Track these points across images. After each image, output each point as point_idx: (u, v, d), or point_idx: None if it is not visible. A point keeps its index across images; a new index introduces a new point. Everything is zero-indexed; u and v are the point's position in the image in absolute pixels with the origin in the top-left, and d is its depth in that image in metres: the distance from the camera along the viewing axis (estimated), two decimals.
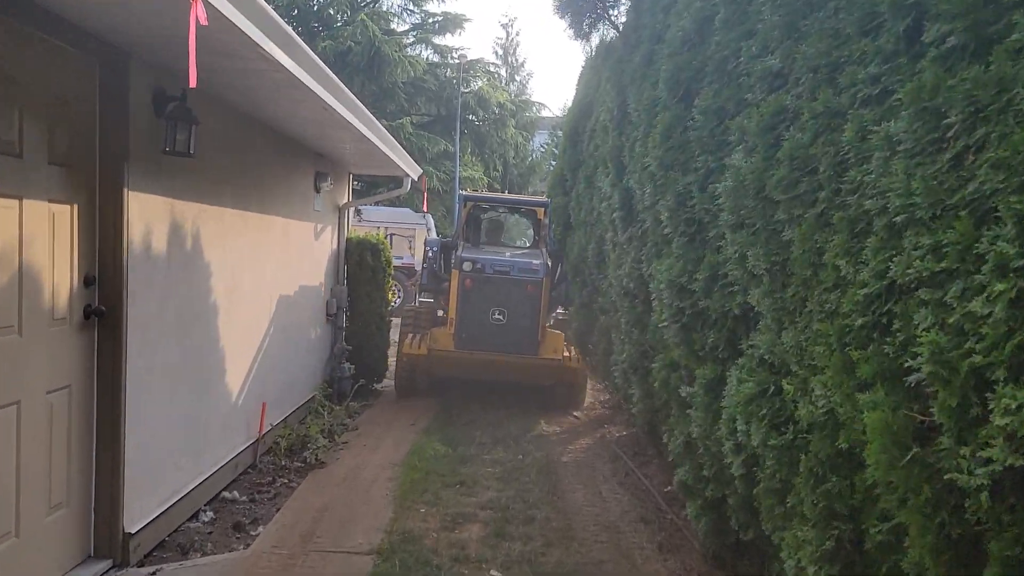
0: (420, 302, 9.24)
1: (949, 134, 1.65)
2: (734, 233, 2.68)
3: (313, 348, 6.86)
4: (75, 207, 3.14)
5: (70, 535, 3.20)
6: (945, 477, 1.58)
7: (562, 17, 4.68)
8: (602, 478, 5.44)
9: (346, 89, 4.41)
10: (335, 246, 7.48)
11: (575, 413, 7.64)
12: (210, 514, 4.23)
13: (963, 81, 1.62)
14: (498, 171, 25.08)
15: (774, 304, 2.45)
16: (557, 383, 7.63)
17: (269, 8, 2.92)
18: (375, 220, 15.76)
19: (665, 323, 3.46)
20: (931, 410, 1.69)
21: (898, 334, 1.82)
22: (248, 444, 5.07)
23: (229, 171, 4.53)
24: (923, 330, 1.68)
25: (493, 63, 29.34)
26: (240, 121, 4.67)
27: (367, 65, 20.02)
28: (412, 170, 7.59)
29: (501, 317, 7.21)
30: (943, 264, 1.61)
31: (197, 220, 4.07)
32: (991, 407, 1.47)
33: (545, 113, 28.86)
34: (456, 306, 7.29)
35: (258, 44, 2.94)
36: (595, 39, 5.04)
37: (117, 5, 2.69)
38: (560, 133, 8.28)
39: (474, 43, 74.25)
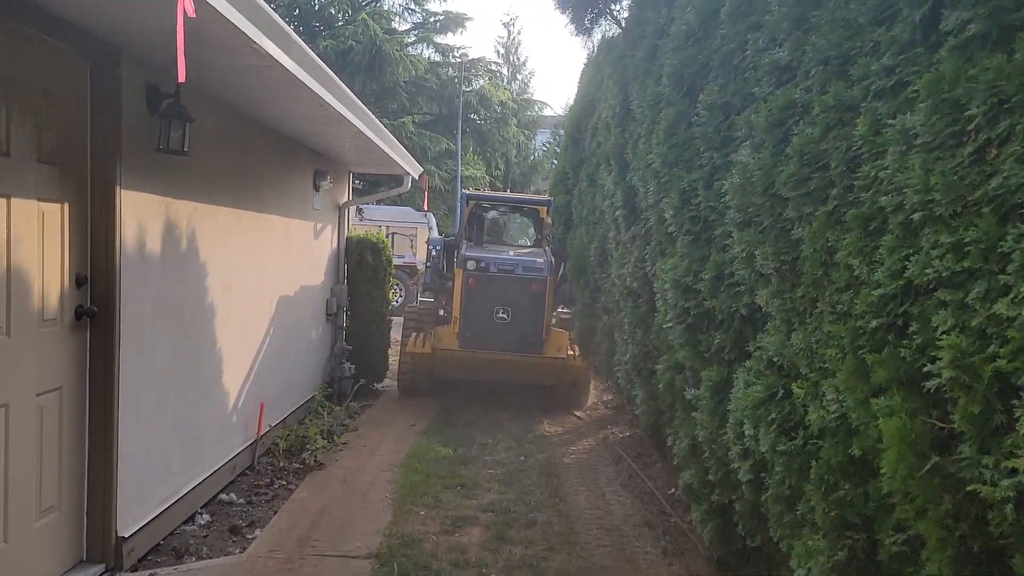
0: (420, 301, 9.18)
1: (970, 127, 1.57)
2: (741, 231, 2.60)
3: (313, 348, 6.80)
4: (66, 206, 3.07)
5: (61, 539, 3.13)
6: (968, 488, 1.50)
7: (563, 12, 4.60)
8: (605, 480, 5.37)
9: (344, 86, 4.34)
10: (335, 245, 7.41)
11: (577, 413, 7.57)
12: (206, 517, 4.17)
13: (985, 71, 1.54)
14: (500, 170, 25.01)
15: (783, 305, 2.37)
16: (560, 382, 7.58)
17: (262, 1, 2.84)
18: (376, 219, 15.70)
19: (669, 323, 3.38)
20: (951, 417, 1.61)
21: (915, 337, 1.74)
22: (246, 445, 5.01)
23: (226, 169, 4.46)
24: (943, 333, 1.61)
25: (495, 62, 29.31)
26: (237, 119, 4.60)
27: (368, 64, 19.95)
28: (412, 168, 7.52)
29: (505, 316, 7.17)
30: (965, 263, 1.54)
31: (192, 219, 4.00)
32: (1017, 415, 1.40)
33: (547, 112, 28.81)
34: (460, 305, 7.24)
35: (251, 39, 2.87)
36: (597, 35, 4.97)
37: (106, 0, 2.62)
38: (562, 132, 8.21)
39: (476, 42, 74.19)
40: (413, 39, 23.30)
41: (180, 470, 4.01)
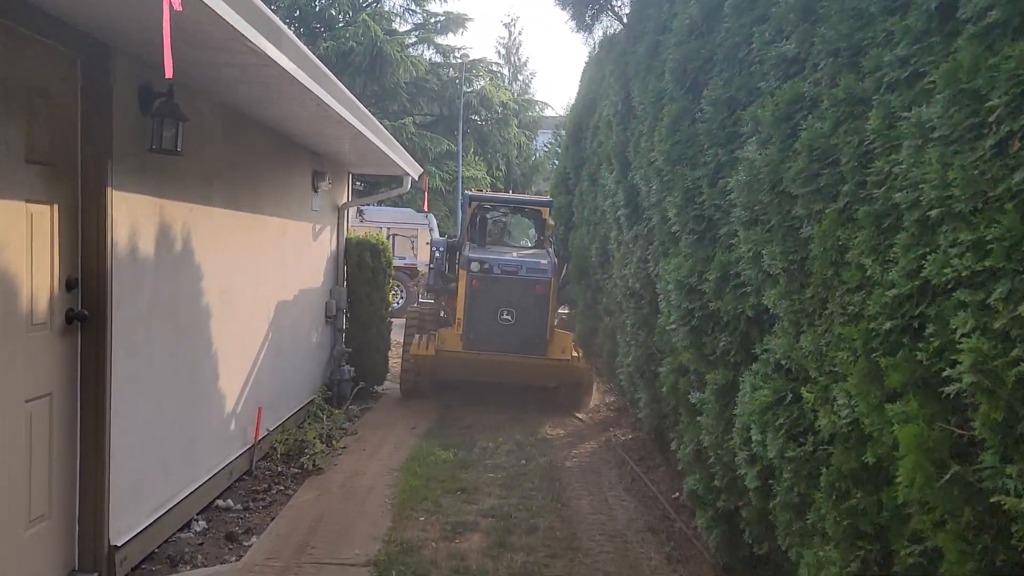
0: (420, 303, 9.13)
1: (991, 118, 1.50)
2: (747, 230, 2.52)
3: (312, 351, 6.73)
4: (55, 207, 3.00)
5: (52, 549, 3.06)
6: (991, 500, 1.42)
7: (564, 8, 4.53)
8: (608, 484, 5.29)
9: (341, 86, 4.27)
10: (334, 247, 7.34)
11: (579, 416, 7.49)
12: (202, 524, 4.10)
13: (1007, 59, 1.46)
14: (501, 171, 24.93)
15: (791, 306, 2.29)
16: (563, 384, 7.54)
17: None
18: (377, 220, 15.63)
19: (673, 325, 3.31)
20: (971, 424, 1.54)
21: (932, 340, 1.66)
22: (244, 450, 4.93)
23: (222, 170, 4.39)
24: (962, 336, 1.53)
25: (496, 62, 29.25)
26: (233, 119, 4.53)
27: (369, 65, 19.88)
28: (412, 169, 7.45)
29: (509, 317, 7.13)
30: (986, 262, 1.46)
31: (187, 220, 3.93)
32: None
33: (548, 112, 28.72)
34: (464, 306, 7.20)
35: (243, 35, 2.80)
36: (598, 32, 4.89)
37: None
38: (563, 132, 8.13)
39: (476, 43, 73.98)
40: (414, 40, 23.22)
41: (176, 476, 3.94)
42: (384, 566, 3.64)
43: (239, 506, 4.43)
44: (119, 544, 3.31)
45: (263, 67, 3.33)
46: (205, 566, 3.61)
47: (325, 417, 6.25)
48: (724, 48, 2.84)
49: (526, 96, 29.44)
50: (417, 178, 7.88)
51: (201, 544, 3.86)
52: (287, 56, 3.32)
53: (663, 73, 3.46)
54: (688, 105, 3.17)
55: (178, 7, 2.17)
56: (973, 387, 1.48)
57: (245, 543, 3.92)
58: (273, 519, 4.27)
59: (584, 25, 4.59)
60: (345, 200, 7.68)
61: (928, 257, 1.64)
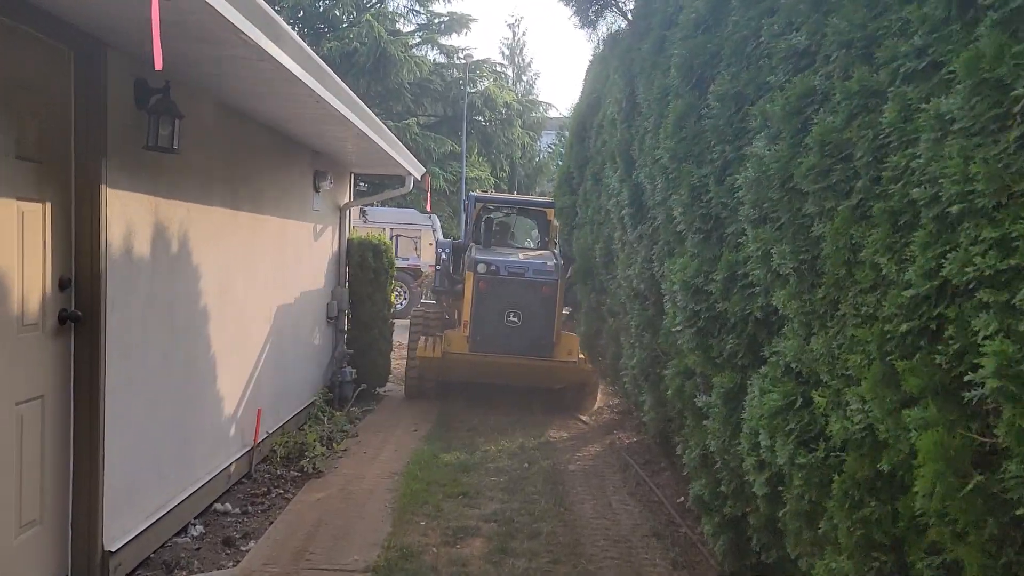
0: (423, 303, 9.09)
1: (1016, 108, 1.42)
2: (756, 229, 2.44)
3: (313, 352, 6.67)
4: (48, 206, 2.94)
5: (44, 555, 3.00)
6: (1017, 513, 1.35)
7: (567, 5, 4.46)
8: (612, 488, 5.21)
9: (342, 83, 4.21)
10: (336, 247, 7.28)
11: (583, 418, 7.41)
12: (200, 528, 4.03)
13: None
14: (505, 171, 24.86)
15: (802, 307, 2.21)
16: (569, 386, 7.50)
17: None
18: (380, 221, 15.58)
19: (679, 327, 3.23)
20: (994, 431, 1.46)
21: (952, 342, 1.59)
22: (243, 453, 4.87)
23: (221, 168, 4.33)
24: (985, 338, 1.45)
25: (500, 63, 29.16)
26: (232, 117, 4.47)
27: (373, 66, 19.84)
28: (414, 168, 7.39)
29: (516, 319, 7.10)
30: (1011, 260, 1.38)
31: (184, 220, 3.87)
32: None
33: (552, 113, 28.65)
34: (471, 308, 7.16)
35: (238, 28, 2.74)
36: (602, 28, 4.81)
37: None
38: (567, 133, 8.06)
39: (480, 43, 74.04)
40: (418, 40, 23.18)
41: (173, 479, 3.88)
42: (383, 572, 3.57)
43: (237, 510, 4.37)
44: (113, 550, 3.25)
45: (259, 62, 3.27)
46: (201, 572, 3.55)
47: (326, 419, 6.19)
48: (732, 42, 2.77)
49: (530, 97, 29.36)
50: (419, 178, 7.82)
51: (198, 549, 3.79)
52: (284, 51, 3.25)
53: (668, 69, 3.39)
54: (694, 101, 3.09)
55: None
56: (996, 392, 1.40)
57: (243, 548, 3.85)
58: (272, 523, 4.20)
59: (588, 21, 4.52)
60: (347, 200, 7.63)
61: (948, 256, 1.56)
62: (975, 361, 1.48)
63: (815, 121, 2.10)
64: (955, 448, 1.51)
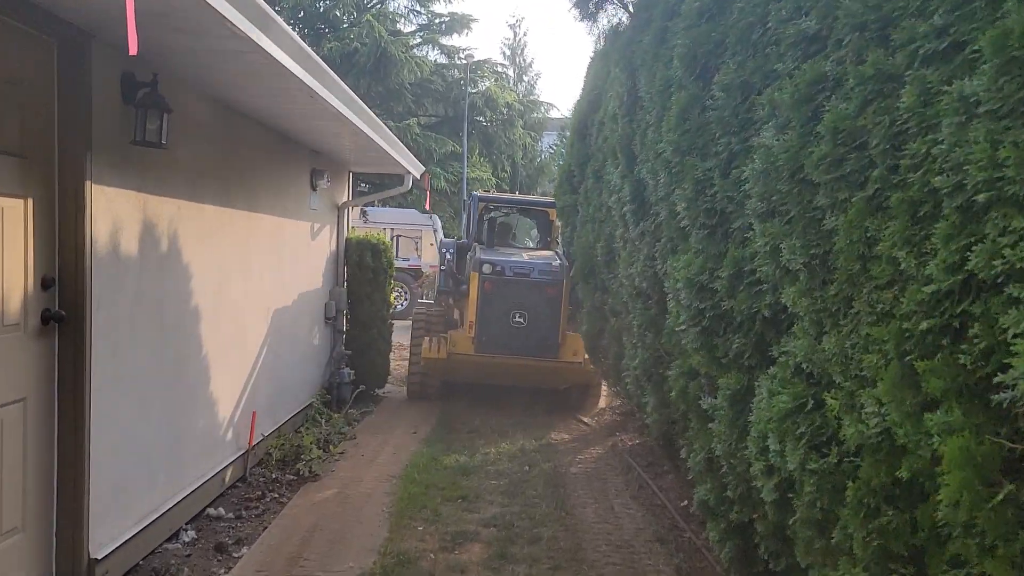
0: (420, 303, 9.04)
1: None
2: (764, 223, 2.34)
3: (310, 353, 6.57)
4: (30, 202, 2.84)
5: (27, 564, 2.90)
6: None
7: None
8: (614, 491, 5.10)
9: (336, 77, 4.11)
10: (334, 247, 7.19)
11: (585, 419, 7.31)
12: (191, 533, 3.93)
13: None
14: (506, 172, 24.75)
15: (813, 304, 2.10)
16: (573, 386, 7.48)
17: None
18: (381, 221, 15.49)
19: (683, 326, 3.12)
20: None
21: (977, 341, 1.48)
22: (237, 456, 4.77)
23: (213, 165, 4.23)
24: (1015, 336, 1.35)
25: (501, 63, 29.05)
26: (225, 113, 4.38)
27: (373, 66, 19.75)
28: (413, 167, 7.29)
29: (521, 320, 7.07)
30: None
31: (175, 217, 3.78)
32: None
33: (553, 114, 28.52)
34: (476, 309, 7.11)
35: (225, 17, 2.64)
36: (603, 20, 4.70)
37: None
38: (568, 132, 7.94)
39: (481, 43, 73.81)
40: (418, 41, 23.09)
41: (163, 484, 3.78)
42: None
43: (231, 515, 4.27)
44: (99, 557, 3.15)
45: (249, 54, 3.18)
46: None
47: (324, 421, 6.09)
48: (737, 30, 2.66)
49: (531, 97, 29.25)
50: (419, 176, 7.72)
51: (188, 556, 3.69)
52: (274, 42, 3.16)
53: (671, 60, 3.28)
54: (698, 92, 2.98)
55: None
56: None
57: (235, 554, 3.75)
58: (266, 528, 4.10)
59: (588, 14, 4.41)
60: (345, 199, 7.53)
61: (973, 248, 1.46)
62: (1004, 361, 1.37)
63: (827, 108, 1.99)
64: (983, 455, 1.41)
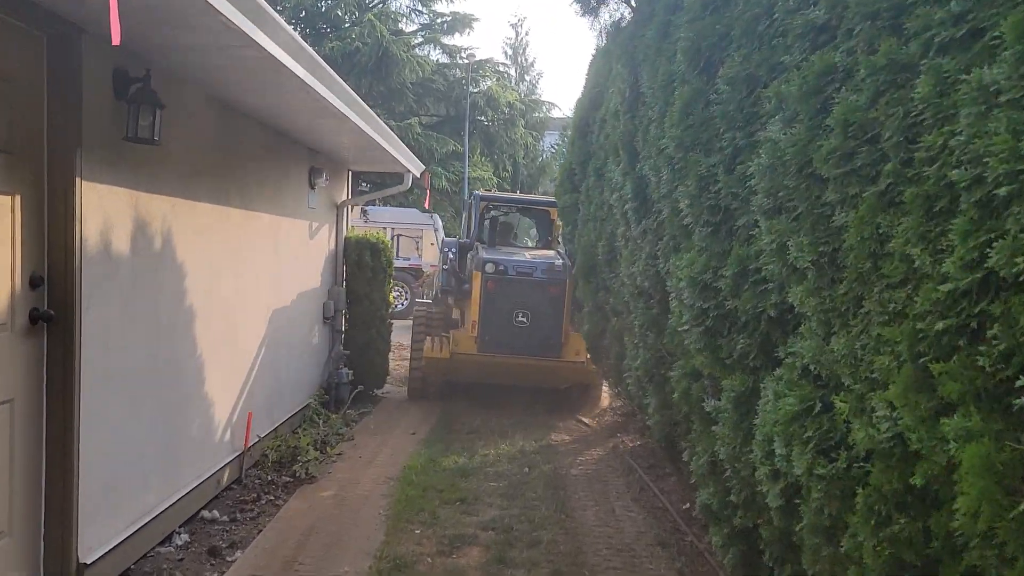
0: (418, 303, 9.01)
1: None
2: (770, 220, 2.27)
3: (308, 353, 6.51)
4: (18, 198, 2.77)
5: (13, 568, 2.83)
6: None
7: None
8: (615, 494, 5.03)
9: (334, 74, 4.04)
10: (333, 246, 7.12)
11: (585, 420, 7.24)
12: (185, 537, 3.87)
13: None
14: (508, 171, 24.68)
15: (821, 304, 2.03)
16: (575, 385, 7.47)
17: None
18: (381, 221, 15.43)
19: (685, 326, 3.05)
20: None
21: (996, 342, 1.41)
22: (232, 457, 4.71)
23: (209, 163, 4.17)
24: None
25: (502, 63, 28.96)
26: (219, 109, 4.31)
27: (375, 66, 19.69)
28: (413, 165, 7.23)
29: (525, 319, 7.07)
30: None
31: (168, 215, 3.71)
32: None
33: (555, 113, 28.46)
34: (479, 308, 7.07)
35: (217, 10, 2.57)
36: (604, 15, 4.63)
37: None
38: (570, 132, 7.87)
39: (483, 43, 73.72)
40: (420, 40, 23.04)
41: (155, 486, 3.72)
42: None
43: (225, 517, 4.20)
44: (89, 562, 3.08)
45: (244, 48, 3.11)
46: None
47: (321, 422, 6.02)
48: (742, 22, 2.59)
49: (533, 97, 29.18)
50: (419, 175, 7.66)
51: (181, 560, 3.63)
52: (269, 37, 3.09)
53: (674, 55, 3.21)
54: (702, 87, 2.91)
55: None
56: None
57: (229, 558, 3.69)
58: (260, 532, 4.03)
59: (589, 8, 4.34)
60: (344, 198, 7.47)
61: (993, 244, 1.38)
62: None
63: (837, 100, 1.92)
64: (1003, 462, 1.33)
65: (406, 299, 15.12)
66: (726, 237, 2.75)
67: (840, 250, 1.93)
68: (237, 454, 4.75)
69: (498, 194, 10.83)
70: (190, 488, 4.07)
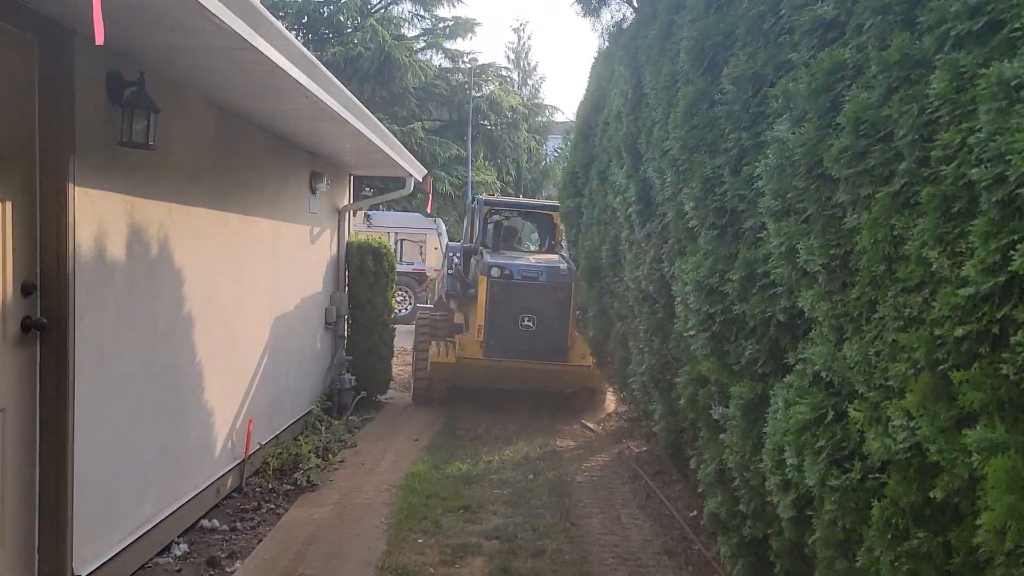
0: (420, 308, 8.96)
1: None
2: (778, 222, 2.20)
3: (310, 359, 6.45)
4: (9, 204, 2.73)
5: None
6: None
7: None
8: (621, 501, 4.95)
9: (333, 77, 3.99)
10: (334, 251, 7.08)
11: (591, 425, 7.16)
12: (184, 547, 3.81)
13: None
14: (511, 176, 24.65)
15: (833, 309, 1.96)
16: (581, 390, 7.44)
17: None
18: (385, 225, 15.41)
19: (691, 331, 2.98)
20: None
21: (1020, 348, 1.34)
22: (233, 465, 4.65)
23: (207, 168, 4.12)
24: None
25: (505, 67, 28.97)
26: (217, 113, 4.26)
27: (377, 71, 19.69)
28: (415, 170, 7.18)
29: (530, 324, 7.06)
30: None
31: (165, 221, 3.66)
32: None
33: (558, 117, 28.39)
34: (484, 313, 7.05)
35: (209, 11, 2.52)
36: (606, 16, 4.57)
37: None
38: (573, 135, 7.81)
39: (485, 47, 73.67)
40: (422, 45, 23.03)
41: (154, 495, 3.66)
42: None
43: (225, 527, 4.14)
44: (84, 574, 3.02)
45: (239, 51, 3.06)
46: None
47: (323, 429, 5.96)
48: (747, 19, 2.53)
49: (536, 101, 29.12)
50: (420, 179, 7.62)
51: (179, 571, 3.57)
52: (266, 40, 3.04)
53: (677, 55, 3.15)
54: (706, 87, 2.85)
55: None
56: None
57: (228, 569, 3.62)
58: (260, 541, 3.97)
59: (591, 9, 4.29)
60: (346, 202, 7.42)
61: (1016, 247, 1.32)
62: None
63: (847, 98, 1.86)
64: None
65: (409, 304, 15.07)
66: (732, 240, 2.68)
67: (852, 253, 1.86)
68: (238, 462, 4.69)
69: (501, 198, 10.79)
70: (189, 497, 4.01)
